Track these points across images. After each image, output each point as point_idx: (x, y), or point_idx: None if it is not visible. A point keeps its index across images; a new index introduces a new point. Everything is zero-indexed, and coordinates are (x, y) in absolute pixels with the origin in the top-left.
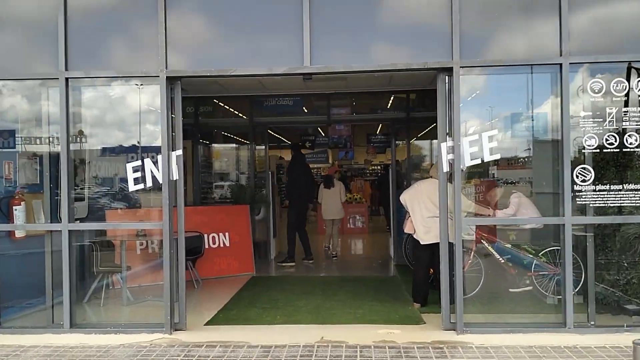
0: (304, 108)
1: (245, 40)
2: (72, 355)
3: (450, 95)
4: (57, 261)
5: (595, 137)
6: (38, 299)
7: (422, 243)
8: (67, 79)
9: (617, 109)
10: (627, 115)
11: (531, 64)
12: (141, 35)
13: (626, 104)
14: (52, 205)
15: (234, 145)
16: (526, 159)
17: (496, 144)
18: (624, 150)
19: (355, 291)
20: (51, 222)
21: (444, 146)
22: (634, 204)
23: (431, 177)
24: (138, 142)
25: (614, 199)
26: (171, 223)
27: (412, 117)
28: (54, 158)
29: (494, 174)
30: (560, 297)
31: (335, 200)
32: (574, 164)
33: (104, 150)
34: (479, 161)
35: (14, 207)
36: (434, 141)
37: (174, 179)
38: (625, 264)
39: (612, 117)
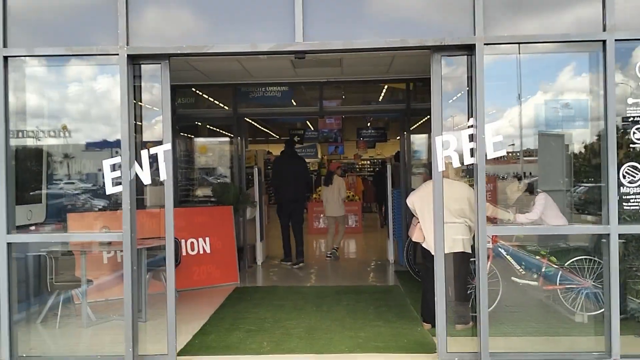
0: (292, 101)
1: (223, 11)
2: None
3: (471, 78)
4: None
5: None
6: None
7: (433, 253)
8: (5, 57)
9: None
10: None
11: (567, 41)
12: (97, 3)
13: None
14: None
15: (217, 139)
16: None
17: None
18: None
19: (354, 306)
20: None
21: (438, 141)
22: None
23: (444, 177)
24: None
25: None
26: (133, 233)
27: (414, 108)
28: None
29: (520, 173)
30: (591, 313)
31: (333, 198)
32: (621, 160)
33: (76, 145)
34: (501, 152)
35: None
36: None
37: (162, 178)
38: None
39: None
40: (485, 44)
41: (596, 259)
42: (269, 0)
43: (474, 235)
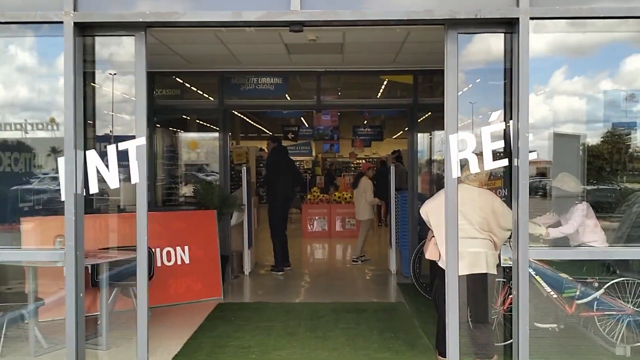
0: (286, 94)
1: None
2: None
3: (513, 59)
4: None
5: None
6: None
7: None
8: None
9: None
10: None
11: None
12: None
13: None
14: None
15: (201, 134)
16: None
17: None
18: None
19: (354, 330)
20: None
21: (453, 140)
22: None
23: (463, 182)
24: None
25: None
26: (79, 250)
27: (422, 103)
28: None
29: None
30: (635, 345)
31: (359, 200)
32: None
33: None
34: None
35: None
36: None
37: (134, 180)
38: None
39: None
40: (530, 18)
41: None
42: None
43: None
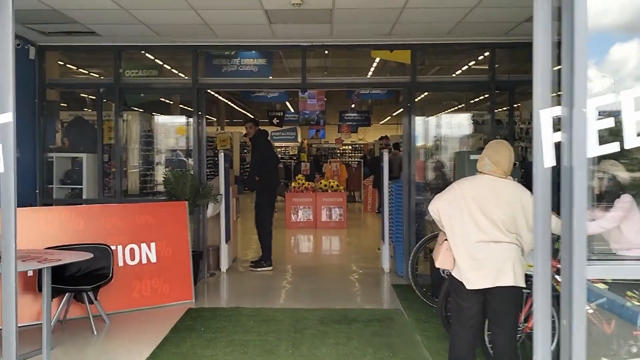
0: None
1: None
2: None
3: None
4: None
5: None
6: None
7: (468, 287)
8: None
9: None
10: None
11: None
12: None
13: None
14: None
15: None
16: None
17: None
18: None
19: (345, 347)
20: None
21: (545, 117)
22: None
23: (483, 173)
24: None
25: None
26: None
27: (421, 82)
28: None
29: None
30: None
31: None
32: None
33: None
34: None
35: None
36: (456, 115)
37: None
38: None
39: None
40: None
41: None
42: None
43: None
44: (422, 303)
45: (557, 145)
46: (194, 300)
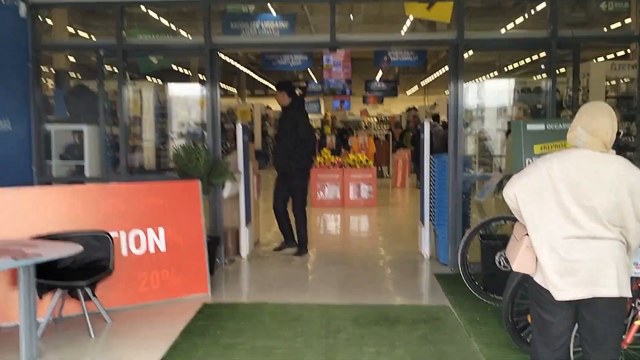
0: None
1: None
2: None
3: None
4: None
5: None
6: None
7: (557, 298)
8: None
9: None
10: None
11: None
12: None
13: None
14: None
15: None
16: None
17: None
18: None
19: (388, 358)
20: None
21: None
22: None
23: (576, 147)
24: None
25: None
26: None
27: (470, 38)
28: None
29: None
30: None
31: None
32: None
33: None
34: None
35: None
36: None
37: None
38: None
39: None
40: None
41: None
42: None
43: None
44: (473, 298)
45: None
46: (209, 294)
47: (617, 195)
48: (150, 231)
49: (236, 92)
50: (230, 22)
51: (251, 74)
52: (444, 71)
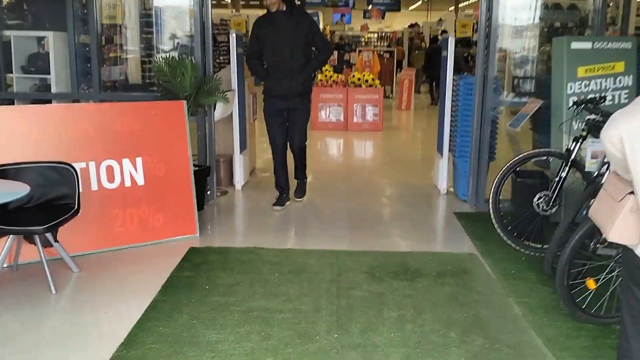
0: None
1: None
2: None
3: None
4: None
5: None
6: None
7: None
8: None
9: None
10: None
11: None
12: None
13: None
14: None
15: None
16: None
17: None
18: None
19: (414, 325)
20: None
21: None
22: None
23: None
24: None
25: None
26: None
27: None
28: None
29: None
30: None
31: None
32: None
33: None
34: None
35: None
36: None
37: None
38: None
39: None
40: None
41: None
42: None
43: None
44: (502, 245)
45: None
46: (198, 235)
47: None
48: (125, 162)
49: (229, 1)
50: None
51: None
52: None
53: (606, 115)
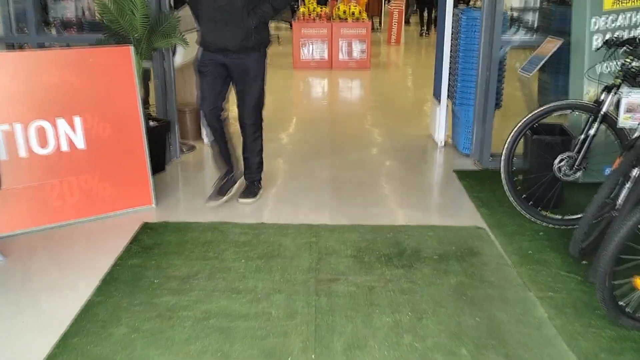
0: None
1: None
2: None
3: None
4: None
5: None
6: None
7: None
8: None
9: None
10: None
11: None
12: None
13: None
14: None
15: None
16: None
17: None
18: None
19: (413, 336)
20: None
21: None
22: None
23: None
24: None
25: None
26: None
27: None
28: None
29: None
30: None
31: None
32: None
33: None
34: None
35: None
36: None
37: None
38: None
39: None
40: None
41: None
42: None
43: None
44: (513, 214)
45: None
46: (154, 206)
47: None
48: (60, 122)
49: None
50: None
51: None
52: None
53: None
